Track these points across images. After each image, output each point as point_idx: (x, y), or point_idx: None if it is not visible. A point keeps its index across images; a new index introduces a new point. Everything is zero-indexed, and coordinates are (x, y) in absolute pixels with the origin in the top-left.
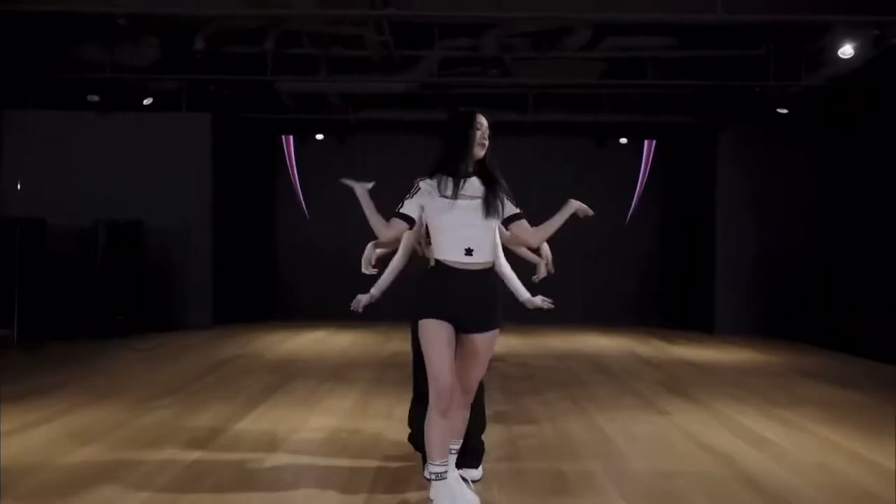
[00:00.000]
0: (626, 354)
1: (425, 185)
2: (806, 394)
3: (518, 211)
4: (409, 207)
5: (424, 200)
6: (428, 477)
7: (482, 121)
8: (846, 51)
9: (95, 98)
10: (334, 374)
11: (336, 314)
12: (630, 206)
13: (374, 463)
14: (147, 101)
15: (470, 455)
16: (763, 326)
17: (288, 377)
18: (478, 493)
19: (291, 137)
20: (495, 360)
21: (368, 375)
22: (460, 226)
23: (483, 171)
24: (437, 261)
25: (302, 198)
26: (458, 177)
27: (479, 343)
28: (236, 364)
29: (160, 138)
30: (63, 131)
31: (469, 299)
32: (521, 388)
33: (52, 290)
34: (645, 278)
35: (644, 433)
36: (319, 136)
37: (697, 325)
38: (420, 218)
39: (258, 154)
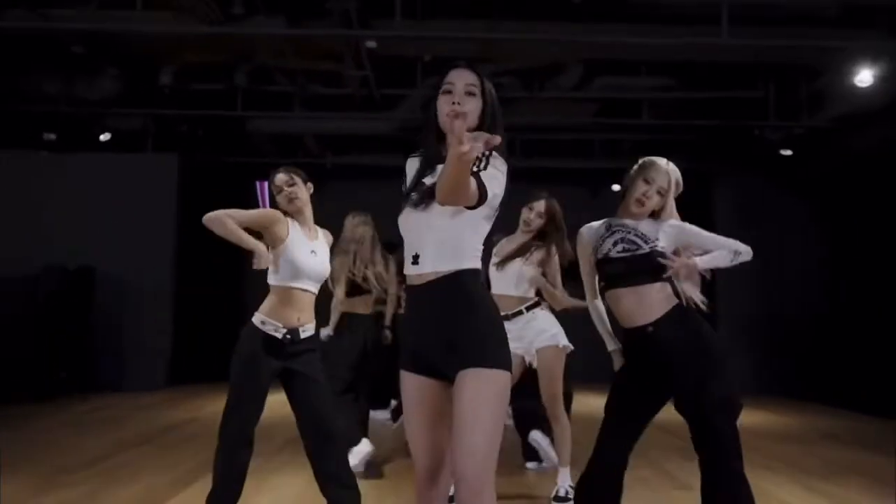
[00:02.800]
0: None
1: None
2: (838, 460)
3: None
4: None
5: None
6: None
7: (454, 79)
8: (864, 78)
9: (52, 137)
10: (293, 443)
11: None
12: None
13: None
14: (104, 137)
15: None
16: (770, 386)
17: None
18: None
19: (266, 183)
20: None
21: None
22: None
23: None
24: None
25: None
26: (426, 164)
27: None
28: (183, 430)
29: (122, 180)
30: (15, 172)
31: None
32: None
33: None
34: None
35: None
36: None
37: None
38: None
39: (228, 199)
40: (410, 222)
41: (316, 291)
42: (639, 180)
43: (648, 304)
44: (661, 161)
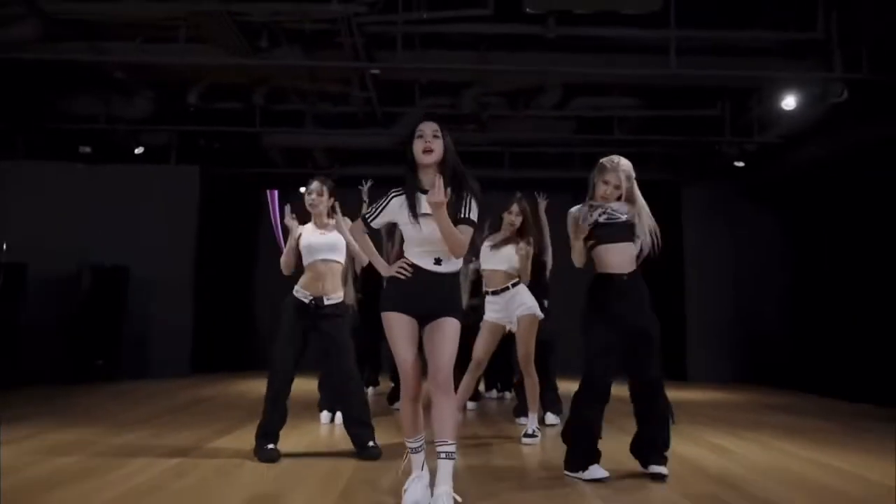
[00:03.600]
0: None
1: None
2: (772, 421)
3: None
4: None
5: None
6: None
7: (423, 128)
8: (789, 102)
9: (87, 150)
10: (315, 405)
11: (313, 366)
12: None
13: (351, 464)
14: (138, 151)
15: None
16: (735, 375)
17: None
18: None
19: (276, 192)
20: None
21: None
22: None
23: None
24: None
25: (284, 251)
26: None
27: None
28: (215, 401)
29: (149, 189)
30: (53, 181)
31: None
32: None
33: (33, 333)
34: None
35: (609, 448)
36: (303, 190)
37: (670, 375)
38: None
39: (243, 207)
40: (423, 235)
41: (336, 259)
42: (598, 182)
43: (626, 258)
44: (611, 162)
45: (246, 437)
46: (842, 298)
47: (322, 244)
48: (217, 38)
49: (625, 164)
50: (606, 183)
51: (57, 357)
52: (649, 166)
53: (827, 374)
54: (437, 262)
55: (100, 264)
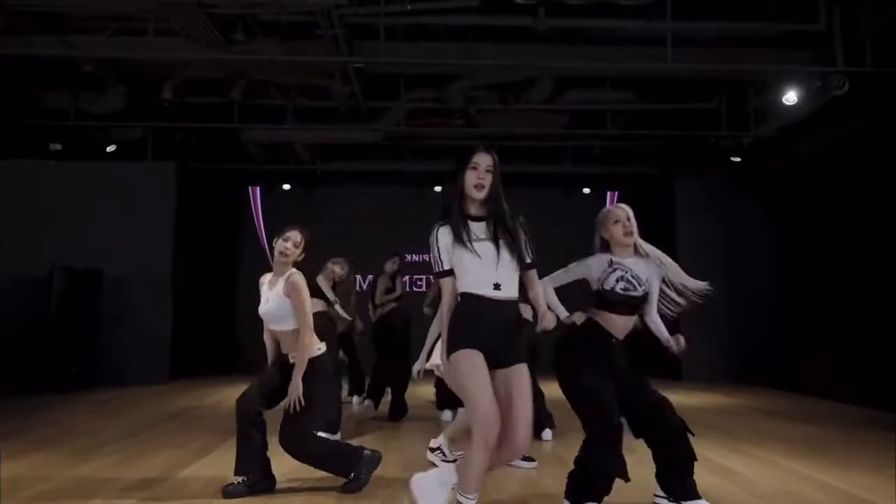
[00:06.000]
0: None
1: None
2: (767, 429)
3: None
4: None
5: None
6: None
7: (478, 160)
8: (790, 97)
9: (58, 147)
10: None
11: None
12: None
13: (331, 499)
14: (110, 149)
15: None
16: (729, 373)
17: None
18: None
19: (258, 188)
20: None
21: None
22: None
23: (490, 213)
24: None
25: (268, 249)
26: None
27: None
28: (191, 415)
29: (123, 187)
30: (22, 180)
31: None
32: None
33: (1, 341)
34: None
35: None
36: (286, 187)
37: (663, 374)
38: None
39: (223, 204)
40: (481, 260)
41: (281, 328)
42: (609, 224)
43: (625, 327)
44: (613, 207)
45: (222, 461)
46: (837, 294)
47: (266, 314)
48: (187, 30)
49: (626, 206)
50: (617, 222)
51: (28, 366)
52: (642, 160)
53: (821, 375)
54: (497, 287)
55: (72, 267)
